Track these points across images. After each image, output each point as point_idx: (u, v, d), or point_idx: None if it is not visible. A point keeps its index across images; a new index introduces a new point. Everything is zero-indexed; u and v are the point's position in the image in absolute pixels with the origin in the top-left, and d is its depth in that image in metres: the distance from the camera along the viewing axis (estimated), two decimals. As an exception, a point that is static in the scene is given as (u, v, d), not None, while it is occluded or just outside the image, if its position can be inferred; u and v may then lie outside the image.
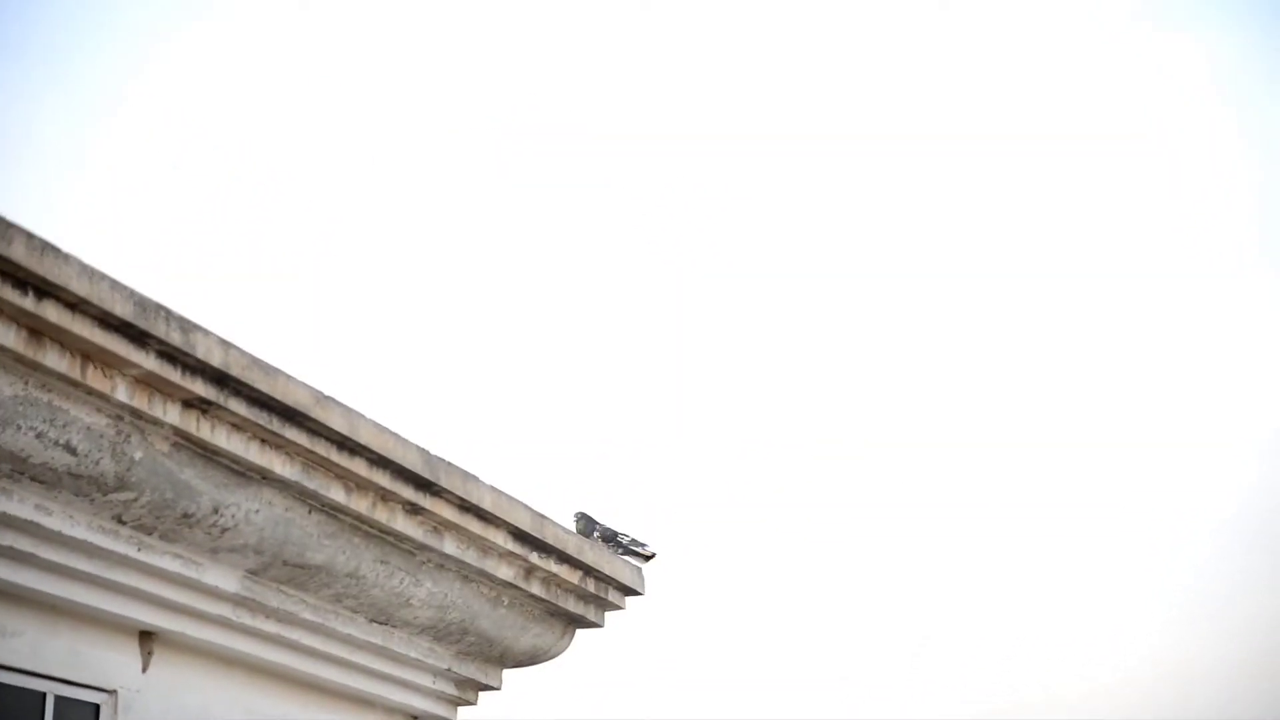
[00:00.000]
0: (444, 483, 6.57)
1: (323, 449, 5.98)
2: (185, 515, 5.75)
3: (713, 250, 22.42)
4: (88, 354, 5.13)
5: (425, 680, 7.54)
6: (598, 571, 7.82)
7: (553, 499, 7.79)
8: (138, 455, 5.45)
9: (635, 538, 8.26)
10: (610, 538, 8.19)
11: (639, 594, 8.22)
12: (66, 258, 4.88)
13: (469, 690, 7.89)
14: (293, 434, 5.84)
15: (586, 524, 8.13)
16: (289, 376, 5.73)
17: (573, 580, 7.69)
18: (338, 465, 6.09)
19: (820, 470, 21.43)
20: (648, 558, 8.26)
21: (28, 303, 4.85)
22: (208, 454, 5.70)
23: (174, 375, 5.34)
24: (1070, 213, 21.77)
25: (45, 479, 5.27)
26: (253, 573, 6.26)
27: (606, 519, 8.29)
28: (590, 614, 8.00)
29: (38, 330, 4.97)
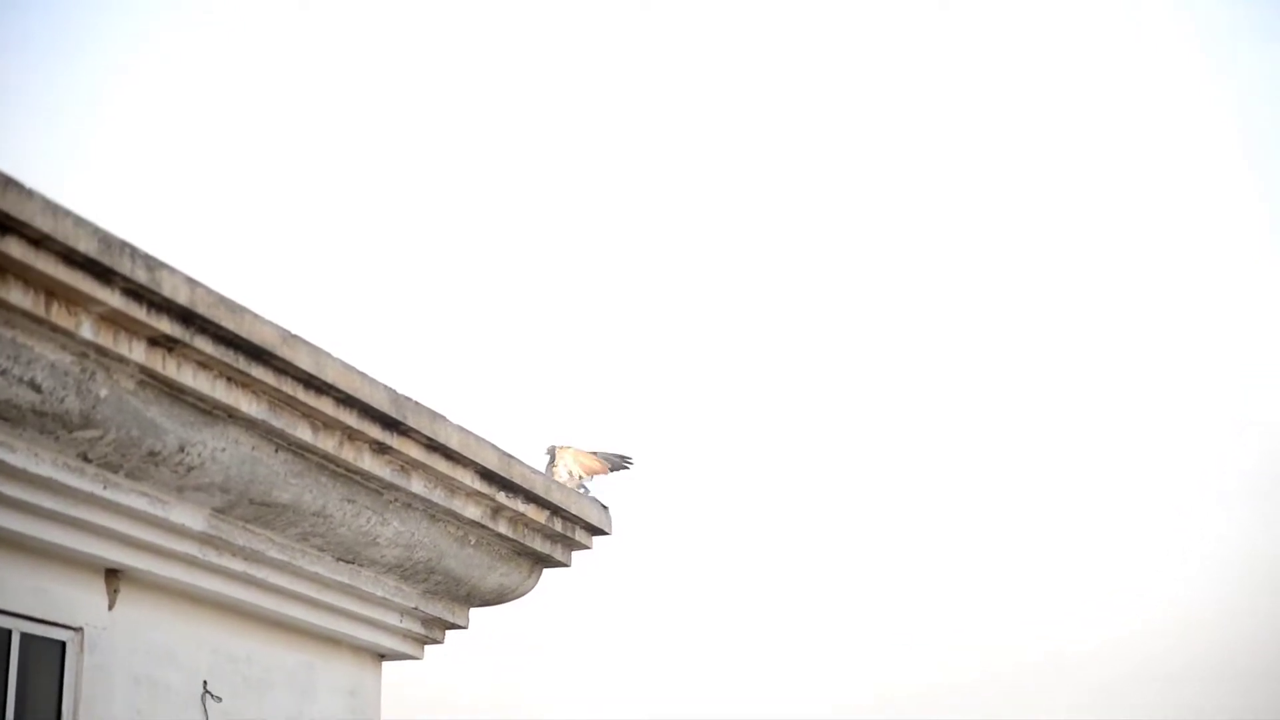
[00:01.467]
0: (411, 422, 6.57)
1: (289, 388, 5.97)
2: (151, 453, 5.73)
3: (710, 245, 22.43)
4: (52, 291, 5.09)
5: (392, 619, 7.56)
6: (565, 511, 7.84)
7: (521, 438, 7.80)
8: (103, 393, 5.43)
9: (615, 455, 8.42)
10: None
11: (606, 534, 8.24)
12: (30, 193, 4.83)
13: (436, 629, 7.91)
14: (259, 372, 5.82)
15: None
16: (255, 315, 5.71)
17: (540, 520, 7.70)
18: (304, 404, 6.07)
19: (810, 411, 21.48)
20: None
21: (-9, 239, 4.82)
22: (174, 392, 5.68)
23: (139, 313, 5.31)
24: (1072, 208, 21.82)
25: (9, 416, 5.24)
26: (219, 511, 6.25)
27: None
28: (557, 553, 8.02)
29: (0, 267, 4.93)
